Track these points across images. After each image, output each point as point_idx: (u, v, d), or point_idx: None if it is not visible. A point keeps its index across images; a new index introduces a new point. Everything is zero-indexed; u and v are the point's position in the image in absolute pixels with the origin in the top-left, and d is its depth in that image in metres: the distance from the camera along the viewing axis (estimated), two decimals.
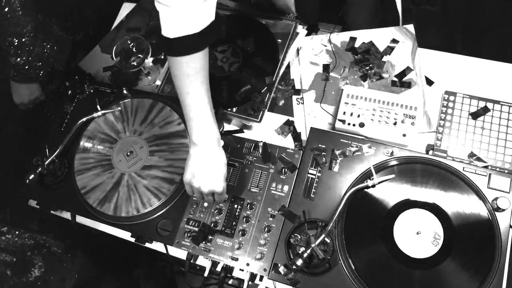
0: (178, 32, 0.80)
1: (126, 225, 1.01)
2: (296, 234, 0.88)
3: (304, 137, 1.08)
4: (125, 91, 1.14)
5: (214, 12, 0.83)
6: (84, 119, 1.09)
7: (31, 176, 1.05)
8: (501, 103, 0.99)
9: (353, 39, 1.15)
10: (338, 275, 0.84)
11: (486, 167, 0.92)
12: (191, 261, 0.98)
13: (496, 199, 0.83)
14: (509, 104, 0.99)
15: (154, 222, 0.99)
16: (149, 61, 1.25)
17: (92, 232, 1.11)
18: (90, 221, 1.07)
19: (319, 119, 1.08)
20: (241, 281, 0.97)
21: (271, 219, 0.93)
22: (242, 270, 0.94)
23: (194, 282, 1.03)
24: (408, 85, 1.07)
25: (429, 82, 1.08)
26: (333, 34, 1.17)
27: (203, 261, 0.99)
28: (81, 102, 1.18)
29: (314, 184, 0.93)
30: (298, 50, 1.18)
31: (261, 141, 1.01)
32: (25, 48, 1.07)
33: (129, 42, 1.23)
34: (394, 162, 0.91)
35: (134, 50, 1.23)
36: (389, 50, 1.12)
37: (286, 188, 0.95)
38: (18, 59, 1.08)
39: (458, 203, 0.85)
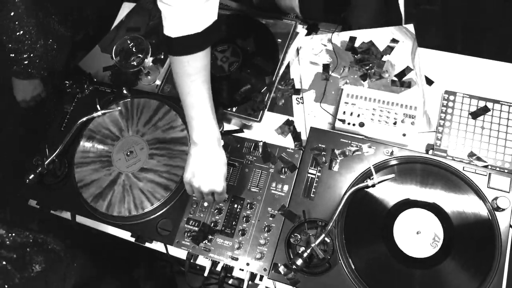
0: (180, 32, 0.80)
1: (126, 225, 1.01)
2: (296, 234, 0.88)
3: (304, 136, 1.08)
4: (125, 91, 1.14)
5: (216, 11, 0.83)
6: (84, 119, 1.09)
7: (31, 176, 1.05)
8: (501, 102, 0.99)
9: (353, 39, 1.15)
10: (338, 275, 0.84)
11: (486, 166, 0.92)
12: (191, 261, 0.98)
13: (496, 198, 0.83)
14: (509, 104, 0.99)
15: (154, 222, 0.99)
16: (149, 60, 1.25)
17: (92, 232, 1.11)
18: (90, 221, 1.07)
19: (319, 119, 1.08)
20: (241, 280, 0.97)
21: (271, 218, 0.93)
22: (242, 270, 0.94)
23: (194, 282, 1.03)
24: (408, 84, 1.07)
25: (429, 82, 1.08)
26: (333, 34, 1.17)
27: (203, 261, 0.99)
28: (81, 102, 1.18)
29: (314, 184, 0.93)
30: (298, 50, 1.18)
31: (261, 141, 1.01)
32: (27, 45, 1.08)
33: (129, 42, 1.23)
34: (394, 162, 0.91)
35: (134, 50, 1.23)
36: (389, 49, 1.12)
37: (286, 187, 0.95)
38: (20, 55, 1.09)
39: (458, 203, 0.85)
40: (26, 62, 1.11)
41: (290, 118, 1.11)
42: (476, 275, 0.80)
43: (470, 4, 2.07)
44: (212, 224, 0.96)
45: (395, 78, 1.08)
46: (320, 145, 0.96)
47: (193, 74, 0.84)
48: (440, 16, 2.10)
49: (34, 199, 1.13)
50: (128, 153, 1.06)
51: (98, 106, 1.12)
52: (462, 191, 0.86)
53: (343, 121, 1.03)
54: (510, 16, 1.98)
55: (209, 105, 0.87)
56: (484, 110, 0.99)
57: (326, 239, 0.86)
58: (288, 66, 1.17)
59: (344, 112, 1.03)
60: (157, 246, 1.03)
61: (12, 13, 1.02)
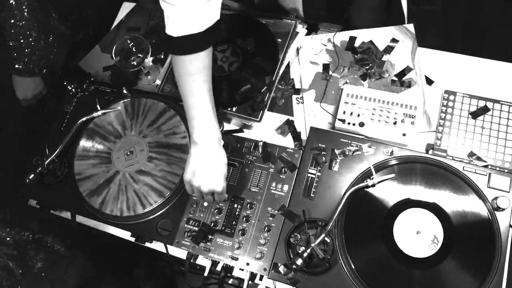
0: (182, 31, 0.80)
1: (126, 225, 1.01)
2: (296, 234, 0.88)
3: (304, 136, 1.08)
4: (125, 91, 1.14)
5: (219, 11, 0.83)
6: (84, 119, 1.09)
7: (31, 176, 1.05)
8: (501, 102, 0.99)
9: (353, 39, 1.15)
10: (338, 275, 0.84)
11: (486, 166, 0.92)
12: (191, 261, 0.98)
13: (496, 198, 0.83)
14: (509, 104, 0.99)
15: (154, 222, 0.99)
16: (148, 60, 1.25)
17: (92, 232, 1.11)
18: (90, 220, 1.07)
19: (319, 119, 1.08)
20: (241, 280, 0.97)
21: (271, 218, 0.93)
22: (242, 270, 0.94)
23: (194, 281, 1.03)
24: (408, 84, 1.07)
25: (429, 82, 1.08)
26: (333, 34, 1.17)
27: (203, 261, 0.99)
28: (81, 101, 1.18)
29: (314, 184, 0.93)
30: (298, 50, 1.18)
31: (261, 141, 1.01)
32: (28, 43, 1.08)
33: (128, 41, 1.23)
34: (394, 162, 0.91)
35: (133, 49, 1.23)
36: (389, 49, 1.12)
37: (286, 187, 0.95)
38: (22, 53, 1.09)
39: (458, 203, 0.85)
40: (27, 59, 1.11)
41: (290, 118, 1.11)
42: (476, 275, 0.80)
43: (470, 4, 2.07)
44: (212, 224, 0.95)
45: (395, 78, 1.08)
46: (320, 145, 0.96)
47: (195, 74, 0.84)
48: (440, 16, 2.10)
49: (34, 199, 1.13)
50: (128, 153, 1.06)
51: (98, 106, 1.12)
52: (462, 191, 0.86)
53: (343, 121, 1.03)
54: (510, 16, 1.98)
55: (210, 105, 0.87)
56: (484, 110, 0.99)
57: (326, 239, 0.86)
58: (288, 66, 1.17)
59: (344, 112, 1.03)
60: (157, 246, 1.03)
61: (12, 12, 1.02)
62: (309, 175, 0.94)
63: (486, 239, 0.82)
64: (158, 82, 1.24)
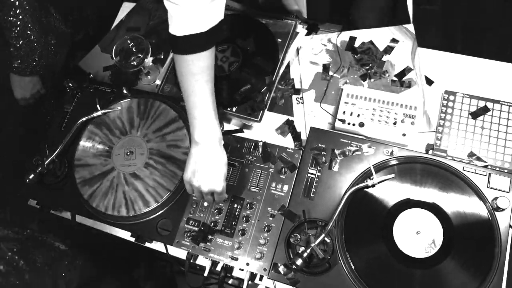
0: (186, 30, 0.80)
1: (126, 225, 1.01)
2: (296, 234, 0.88)
3: (304, 136, 1.08)
4: (125, 91, 1.14)
5: (222, 11, 0.83)
6: (84, 119, 1.09)
7: (31, 176, 1.05)
8: (501, 102, 0.99)
9: (353, 39, 1.15)
10: (338, 275, 0.84)
11: (486, 166, 0.92)
12: (191, 261, 0.98)
13: (496, 198, 0.83)
14: (509, 104, 0.99)
15: (154, 222, 0.99)
16: (148, 60, 1.25)
17: (92, 232, 1.11)
18: (90, 220, 1.07)
19: (319, 119, 1.08)
20: (241, 280, 0.97)
21: (271, 218, 0.93)
22: (242, 270, 0.94)
23: (194, 281, 1.03)
24: (408, 84, 1.07)
25: (429, 82, 1.08)
26: (333, 34, 1.17)
27: (203, 261, 0.99)
28: (81, 101, 1.18)
29: (314, 184, 0.93)
30: (298, 50, 1.18)
31: (261, 141, 1.01)
32: (28, 42, 1.08)
33: (128, 41, 1.23)
34: (394, 162, 0.91)
35: (133, 49, 1.23)
36: (389, 49, 1.12)
37: (286, 187, 0.95)
38: (21, 52, 1.09)
39: (457, 203, 0.85)
40: (26, 58, 1.11)
41: (290, 118, 1.11)
42: (476, 274, 0.80)
43: (470, 4, 2.07)
44: (212, 224, 0.96)
45: (395, 78, 1.08)
46: (320, 145, 0.96)
47: (197, 74, 0.84)
48: (440, 16, 2.10)
49: (34, 199, 1.13)
50: (128, 153, 1.06)
51: (98, 106, 1.12)
52: (462, 191, 0.86)
53: (343, 121, 1.03)
54: (510, 16, 1.98)
55: (212, 105, 0.87)
56: (484, 110, 0.99)
57: (326, 239, 0.86)
58: (288, 66, 1.17)
59: (344, 112, 1.03)
60: (157, 246, 1.03)
61: (12, 11, 1.02)
62: (309, 175, 0.94)
63: (486, 239, 0.82)
64: (158, 82, 1.24)
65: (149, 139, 1.07)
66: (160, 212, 0.99)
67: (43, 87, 1.23)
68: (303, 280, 0.85)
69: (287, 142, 1.09)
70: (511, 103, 0.99)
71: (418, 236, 0.84)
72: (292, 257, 0.86)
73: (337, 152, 0.94)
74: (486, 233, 0.82)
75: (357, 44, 1.14)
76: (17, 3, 1.02)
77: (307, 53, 1.17)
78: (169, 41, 0.83)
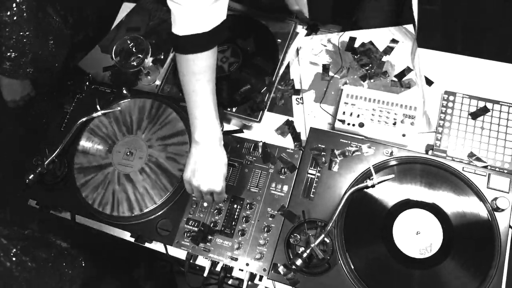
0: (188, 30, 0.80)
1: (126, 225, 1.01)
2: (295, 234, 0.88)
3: (303, 137, 1.08)
4: (124, 91, 1.14)
5: (225, 11, 0.83)
6: (84, 119, 1.09)
7: (31, 176, 1.05)
8: (500, 103, 0.99)
9: (352, 39, 1.15)
10: (337, 275, 0.84)
11: (485, 167, 0.92)
12: (191, 261, 0.98)
13: (495, 199, 0.83)
14: (508, 104, 0.99)
15: (154, 222, 0.99)
16: (148, 61, 1.26)
17: (92, 232, 1.11)
18: (90, 220, 1.07)
19: (318, 119, 1.08)
20: (240, 281, 0.97)
21: (270, 219, 0.93)
22: (242, 270, 0.94)
23: (193, 282, 1.03)
24: (407, 85, 1.07)
25: (429, 82, 1.08)
26: (333, 34, 1.17)
27: (202, 261, 0.99)
28: (81, 102, 1.18)
29: (314, 184, 0.93)
30: (297, 50, 1.18)
31: (261, 141, 1.01)
32: (23, 45, 1.07)
33: (128, 42, 1.23)
34: (393, 162, 0.91)
35: (133, 50, 1.23)
36: (389, 50, 1.12)
37: (285, 188, 0.95)
38: (12, 53, 1.08)
39: (457, 203, 0.85)
40: (18, 60, 1.09)
41: (290, 118, 1.11)
42: (475, 275, 0.80)
43: (470, 4, 2.07)
44: (212, 224, 0.96)
45: (395, 79, 1.08)
46: (319, 145, 0.96)
47: (199, 73, 0.84)
48: (440, 16, 2.10)
49: (34, 199, 1.13)
50: (128, 153, 1.06)
51: (98, 106, 1.12)
52: (462, 192, 0.86)
53: (342, 121, 1.03)
54: (510, 16, 1.98)
55: (213, 105, 0.87)
56: (483, 111, 0.99)
57: (325, 239, 0.86)
58: (288, 66, 1.17)
59: (344, 113, 1.03)
60: (157, 246, 1.03)
61: (9, 12, 1.02)
62: (308, 175, 0.94)
63: (485, 239, 0.82)
64: (158, 82, 1.24)
65: (151, 145, 1.06)
66: (160, 212, 0.99)
67: (33, 89, 1.22)
68: (302, 280, 0.85)
69: (287, 142, 1.09)
70: (510, 103, 0.99)
71: (417, 237, 0.84)
72: (291, 257, 0.86)
73: (337, 152, 0.94)
74: (486, 233, 0.83)
75: (357, 44, 1.14)
76: (13, 4, 1.02)
77: (307, 54, 1.17)
78: (171, 41, 0.84)
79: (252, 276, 0.95)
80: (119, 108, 1.12)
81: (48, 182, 1.08)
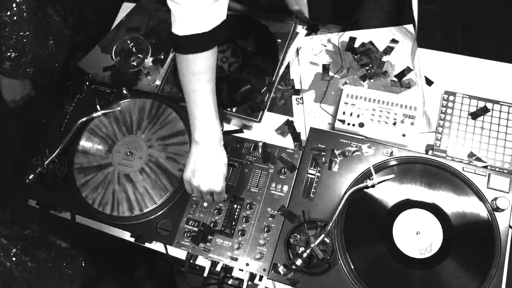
0: (188, 30, 0.80)
1: (126, 225, 1.01)
2: (295, 234, 0.88)
3: (303, 137, 1.08)
4: (124, 91, 1.14)
5: (225, 11, 0.83)
6: (84, 119, 1.09)
7: (31, 176, 1.05)
8: (500, 103, 0.99)
9: (352, 39, 1.15)
10: (337, 275, 0.84)
11: (485, 167, 0.92)
12: (191, 261, 0.98)
13: (495, 199, 0.83)
14: (508, 104, 0.99)
15: (154, 222, 0.99)
16: (148, 61, 1.26)
17: (92, 232, 1.11)
18: (90, 220, 1.07)
19: (318, 119, 1.08)
20: (240, 281, 0.97)
21: (270, 219, 0.93)
22: (242, 270, 0.94)
23: (193, 282, 1.03)
24: (407, 85, 1.07)
25: (429, 82, 1.08)
26: (333, 34, 1.17)
27: (202, 261, 0.99)
28: (81, 102, 1.18)
29: (314, 184, 0.93)
30: (297, 50, 1.18)
31: (261, 141, 1.01)
32: (23, 45, 1.07)
33: (128, 42, 1.23)
34: (393, 162, 0.91)
35: (133, 50, 1.23)
36: (389, 50, 1.12)
37: (285, 188, 0.95)
38: (12, 53, 1.08)
39: (457, 203, 0.85)
40: (18, 60, 1.09)
41: (290, 118, 1.11)
42: (475, 275, 0.80)
43: (470, 4, 2.07)
44: (212, 224, 0.96)
45: (395, 79, 1.08)
46: (319, 145, 0.96)
47: (199, 73, 0.84)
48: (440, 16, 2.10)
49: (34, 199, 1.13)
50: (128, 153, 1.06)
51: (98, 106, 1.12)
52: (462, 192, 0.86)
53: (342, 121, 1.03)
54: (510, 16, 1.98)
55: (213, 105, 0.87)
56: (483, 111, 0.99)
57: (325, 239, 0.86)
58: (288, 66, 1.17)
59: (344, 113, 1.03)
60: (157, 246, 1.03)
61: (9, 12, 1.02)
62: (308, 175, 0.94)
63: (485, 239, 0.82)
64: (158, 82, 1.24)
65: (151, 145, 1.06)
66: (160, 212, 0.99)
67: (33, 89, 1.22)
68: (302, 280, 0.85)
69: (287, 142, 1.09)
70: (510, 103, 0.99)
71: (417, 237, 0.84)
72: (291, 257, 0.86)
73: (336, 152, 0.94)
74: (486, 233, 0.83)
75: (357, 44, 1.14)
76: (13, 4, 1.02)
77: (307, 54, 1.17)
78: (171, 41, 0.84)
79: (252, 276, 0.95)
80: (119, 108, 1.12)
81: (48, 182, 1.08)
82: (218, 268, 0.96)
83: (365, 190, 0.89)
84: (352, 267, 0.84)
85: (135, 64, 1.21)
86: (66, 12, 1.24)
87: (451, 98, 1.02)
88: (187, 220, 0.97)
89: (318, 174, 0.94)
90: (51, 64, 1.19)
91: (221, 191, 0.88)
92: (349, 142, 0.95)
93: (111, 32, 1.36)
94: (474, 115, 0.99)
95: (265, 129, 1.11)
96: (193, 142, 0.88)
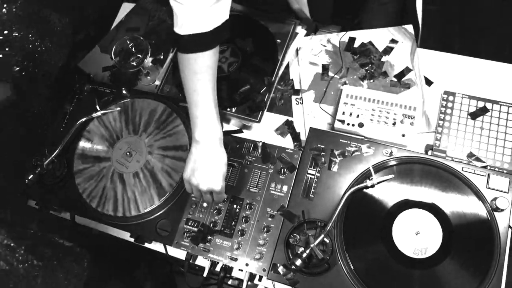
0: (190, 30, 0.81)
1: (126, 226, 1.01)
2: (295, 234, 0.89)
3: (303, 137, 1.08)
4: (124, 91, 1.14)
5: (228, 11, 0.84)
6: (83, 119, 1.09)
7: (30, 176, 1.05)
8: (500, 103, 0.99)
9: (352, 40, 1.15)
10: (337, 275, 0.84)
11: (485, 167, 0.92)
12: (191, 261, 0.98)
13: (495, 199, 0.83)
14: (507, 104, 0.99)
15: (154, 222, 0.99)
16: (148, 61, 1.26)
17: (92, 233, 1.11)
18: (90, 221, 1.07)
19: (318, 119, 1.08)
20: (240, 281, 0.97)
21: (270, 219, 0.93)
22: (241, 270, 0.94)
23: (193, 282, 1.03)
24: (407, 85, 1.07)
25: (428, 82, 1.08)
26: (332, 34, 1.17)
27: (202, 261, 0.99)
28: (81, 102, 1.18)
29: (313, 184, 0.93)
30: (297, 50, 1.18)
31: (260, 141, 1.01)
32: (13, 43, 1.07)
33: (128, 42, 1.23)
34: (393, 162, 0.91)
35: (133, 50, 1.23)
36: (388, 50, 1.12)
37: (285, 188, 0.96)
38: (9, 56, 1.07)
39: (457, 203, 0.85)
40: (8, 61, 1.08)
41: (290, 118, 1.11)
42: (475, 274, 0.80)
43: (468, 4, 2.07)
44: (211, 224, 0.96)
45: (394, 79, 1.08)
46: (319, 145, 0.96)
47: (200, 73, 0.84)
48: (438, 16, 2.10)
49: (34, 199, 1.13)
50: (128, 153, 1.06)
51: (97, 107, 1.12)
52: (461, 192, 0.86)
53: (342, 121, 1.03)
54: (508, 15, 1.97)
55: (214, 104, 0.87)
56: (483, 111, 0.99)
57: (325, 239, 0.86)
58: (287, 67, 1.17)
59: (343, 113, 1.03)
60: (157, 246, 1.04)
61: (5, 11, 1.01)
62: (308, 175, 0.94)
63: (485, 239, 0.82)
64: (157, 82, 1.24)
65: (151, 152, 1.06)
66: (160, 212, 0.99)
67: (13, 93, 1.21)
68: (302, 280, 0.85)
69: (287, 142, 1.09)
70: (510, 103, 0.99)
71: (417, 237, 0.84)
72: (291, 257, 0.86)
73: (336, 152, 0.94)
74: (485, 233, 0.83)
75: (356, 44, 1.14)
76: (13, 4, 1.01)
77: (306, 54, 1.17)
78: (173, 40, 0.84)
79: (251, 276, 0.95)
80: (118, 108, 1.12)
81: (47, 182, 1.08)
82: (218, 268, 0.96)
83: (365, 190, 0.89)
84: (352, 267, 0.84)
85: (135, 64, 1.21)
86: (66, 11, 1.24)
87: (451, 98, 1.02)
88: (186, 220, 0.97)
89: (318, 174, 0.94)
90: (51, 64, 1.18)
91: (221, 190, 0.88)
92: (349, 142, 0.95)
93: (111, 32, 1.36)
94: (474, 115, 0.99)
95: (265, 129, 1.11)
96: (193, 141, 0.88)
